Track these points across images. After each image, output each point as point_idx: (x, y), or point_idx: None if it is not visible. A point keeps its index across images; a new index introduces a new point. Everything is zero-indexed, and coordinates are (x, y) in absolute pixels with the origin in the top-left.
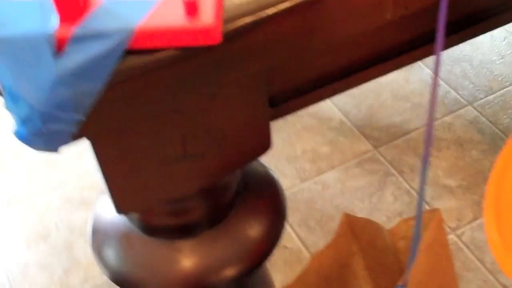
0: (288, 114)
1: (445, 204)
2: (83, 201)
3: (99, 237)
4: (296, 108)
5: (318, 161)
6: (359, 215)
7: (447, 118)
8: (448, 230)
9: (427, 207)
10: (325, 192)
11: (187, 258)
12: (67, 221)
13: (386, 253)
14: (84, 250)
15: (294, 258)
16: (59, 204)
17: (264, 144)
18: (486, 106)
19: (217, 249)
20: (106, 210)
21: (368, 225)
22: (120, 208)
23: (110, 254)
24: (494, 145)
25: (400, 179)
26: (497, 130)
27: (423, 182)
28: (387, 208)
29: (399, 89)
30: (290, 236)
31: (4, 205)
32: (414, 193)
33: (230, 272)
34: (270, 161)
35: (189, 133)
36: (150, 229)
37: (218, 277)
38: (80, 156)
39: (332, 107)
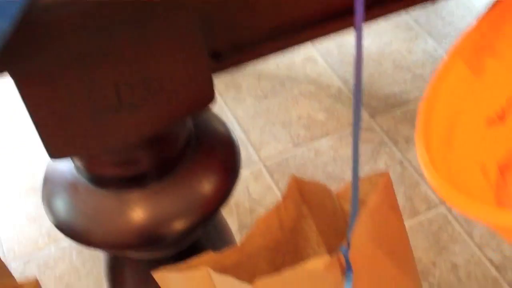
0: (232, 67)
1: None
2: None
3: (49, 186)
4: (241, 62)
5: (313, 127)
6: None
7: None
8: (437, 202)
9: (419, 178)
10: (317, 159)
11: (135, 209)
12: None
13: (336, 216)
14: None
15: None
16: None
17: (206, 97)
18: None
19: (165, 200)
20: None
21: (317, 188)
22: (52, 154)
23: (58, 203)
24: None
25: (394, 149)
26: None
27: (356, 136)
28: None
29: (401, 59)
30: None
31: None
32: (407, 164)
33: (178, 225)
34: (265, 125)
35: (123, 82)
36: (96, 179)
37: (166, 229)
38: None
39: (332, 74)
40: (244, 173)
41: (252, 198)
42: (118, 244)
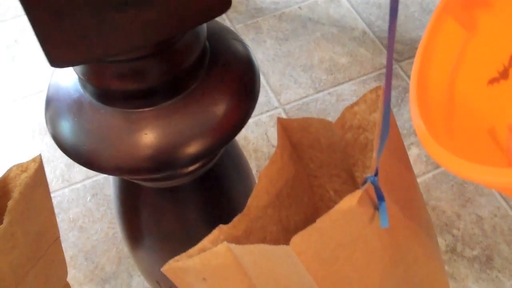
0: None
1: None
2: None
3: (52, 107)
4: None
5: (335, 71)
6: None
7: None
8: None
9: None
10: (339, 104)
11: (144, 129)
12: None
13: (333, 150)
14: None
15: None
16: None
17: (222, 3)
18: None
19: (176, 121)
20: (61, 79)
21: (306, 125)
22: (52, 61)
23: (63, 125)
24: None
25: None
26: None
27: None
28: (402, 126)
29: (428, 2)
30: None
31: (11, 99)
32: None
33: (191, 148)
34: (285, 69)
35: None
36: (102, 95)
37: (178, 153)
38: None
39: (356, 16)
40: (263, 118)
41: (271, 144)
42: (127, 168)
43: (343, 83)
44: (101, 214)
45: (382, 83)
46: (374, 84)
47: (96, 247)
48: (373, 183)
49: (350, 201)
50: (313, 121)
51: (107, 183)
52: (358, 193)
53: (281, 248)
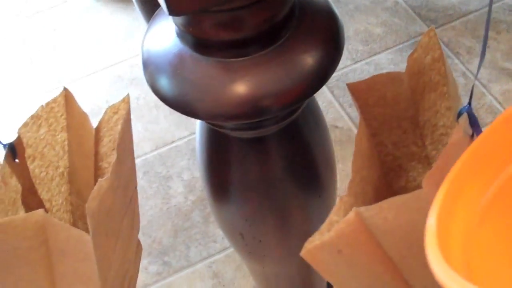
0: None
1: (502, 87)
2: (134, 79)
3: (153, 66)
4: None
5: (371, 42)
6: None
7: (508, 0)
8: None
9: (483, 89)
10: (377, 73)
11: (240, 78)
12: (118, 98)
13: (397, 102)
14: (134, 126)
15: (345, 137)
16: (110, 82)
17: None
18: None
19: (270, 70)
20: (154, 40)
21: (373, 84)
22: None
23: (166, 79)
24: None
25: (456, 61)
26: None
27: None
28: None
29: None
30: (340, 115)
31: (55, 86)
32: (470, 75)
33: (281, 97)
34: None
35: None
36: (204, 47)
37: (270, 101)
38: (129, 35)
39: None
40: None
41: None
42: (228, 114)
43: (379, 52)
44: (154, 191)
45: None
46: (410, 52)
47: (152, 222)
48: (468, 111)
49: (457, 133)
50: (381, 77)
51: (157, 161)
52: (460, 126)
53: (415, 194)
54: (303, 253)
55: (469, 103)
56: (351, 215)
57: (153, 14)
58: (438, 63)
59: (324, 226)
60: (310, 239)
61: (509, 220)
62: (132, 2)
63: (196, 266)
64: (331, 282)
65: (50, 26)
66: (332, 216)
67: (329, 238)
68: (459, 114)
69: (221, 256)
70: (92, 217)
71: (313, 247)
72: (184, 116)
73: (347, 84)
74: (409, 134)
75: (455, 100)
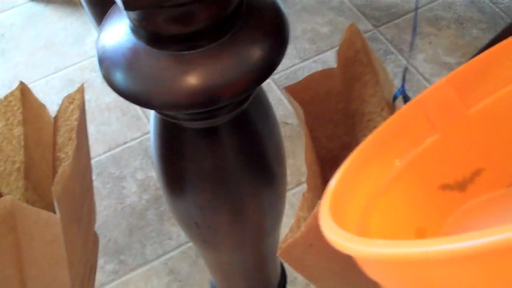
0: None
1: None
2: (85, 82)
3: (108, 61)
4: None
5: (318, 41)
6: None
7: None
8: None
9: (426, 83)
10: None
11: (192, 69)
12: None
13: (330, 96)
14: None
15: (294, 133)
16: (61, 86)
17: None
18: None
19: (220, 62)
20: (109, 37)
21: (307, 83)
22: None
23: (121, 72)
24: (494, 23)
25: (400, 57)
26: (497, 9)
27: None
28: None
29: None
30: (290, 112)
31: (6, 89)
32: (414, 70)
33: (232, 87)
34: None
35: None
36: (155, 40)
37: (222, 90)
38: (79, 39)
39: None
40: None
41: None
42: (181, 103)
43: (326, 50)
44: (108, 191)
45: None
46: None
47: (107, 221)
48: (402, 93)
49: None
50: (315, 75)
51: (110, 162)
52: (398, 107)
53: None
54: (279, 253)
55: (403, 86)
56: (317, 209)
57: (103, 17)
58: (360, 54)
59: (293, 224)
60: (283, 239)
61: (408, 193)
62: (81, 6)
63: (152, 264)
64: (308, 279)
65: None
66: (299, 212)
67: (301, 233)
68: (395, 98)
69: (177, 252)
70: (58, 200)
71: (287, 245)
72: (136, 118)
73: (285, 88)
74: (341, 126)
75: (386, 86)
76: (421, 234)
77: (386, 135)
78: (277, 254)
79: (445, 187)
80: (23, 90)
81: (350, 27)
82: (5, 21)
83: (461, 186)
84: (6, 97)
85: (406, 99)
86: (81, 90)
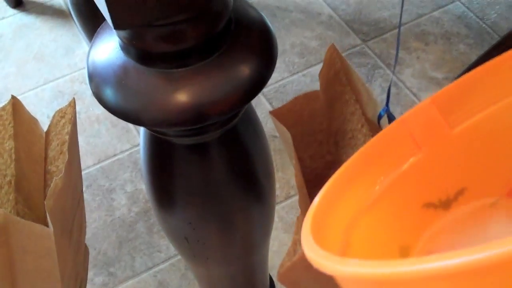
0: None
1: (431, 95)
2: (75, 94)
3: (98, 78)
4: None
5: (307, 55)
6: None
7: (435, 13)
8: None
9: (414, 98)
10: (313, 84)
11: (182, 87)
12: None
13: (313, 117)
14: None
15: (283, 147)
16: (51, 98)
17: None
18: (474, 2)
19: (210, 79)
20: (99, 54)
21: (292, 106)
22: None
23: (109, 90)
24: (481, 39)
25: (388, 71)
26: (484, 25)
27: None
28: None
29: None
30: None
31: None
32: (402, 85)
33: (220, 104)
34: None
35: None
36: (145, 57)
37: (211, 107)
38: (69, 51)
39: (321, 2)
40: None
41: None
42: (171, 121)
43: (315, 64)
44: (97, 203)
45: (352, 62)
46: None
47: (97, 234)
48: (387, 112)
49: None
50: (300, 99)
51: (100, 174)
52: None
53: None
54: (278, 278)
55: (387, 105)
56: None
57: (94, 31)
58: (339, 74)
59: (290, 248)
60: (281, 263)
61: (392, 211)
62: (71, 18)
63: (142, 276)
64: None
65: None
66: (295, 236)
67: (298, 256)
68: (380, 117)
69: (166, 265)
70: (51, 213)
71: (286, 270)
72: (125, 130)
73: (270, 112)
74: (324, 145)
75: (370, 104)
76: (405, 252)
77: (370, 153)
78: (276, 279)
79: (429, 205)
80: (15, 105)
81: (329, 49)
82: None
83: (445, 204)
84: None
85: (390, 118)
86: (72, 104)
